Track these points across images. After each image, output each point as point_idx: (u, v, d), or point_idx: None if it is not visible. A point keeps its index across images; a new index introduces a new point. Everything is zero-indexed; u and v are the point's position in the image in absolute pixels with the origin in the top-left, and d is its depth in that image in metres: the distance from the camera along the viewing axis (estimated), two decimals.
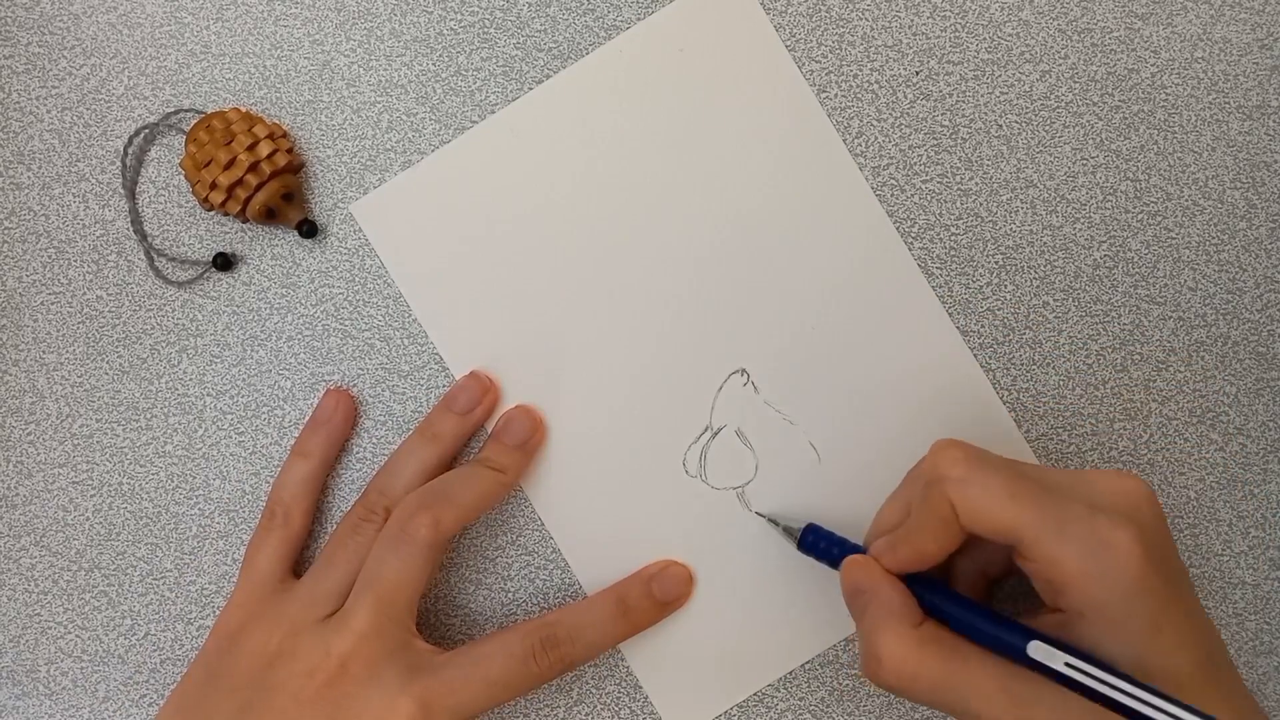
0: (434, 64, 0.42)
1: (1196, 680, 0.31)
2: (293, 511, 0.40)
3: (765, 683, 0.41)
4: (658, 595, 0.40)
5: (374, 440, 0.42)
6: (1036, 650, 0.31)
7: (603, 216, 0.41)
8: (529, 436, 0.40)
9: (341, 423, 0.41)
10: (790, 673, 0.41)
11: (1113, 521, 0.31)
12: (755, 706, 0.41)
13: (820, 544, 0.38)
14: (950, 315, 0.41)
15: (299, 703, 0.36)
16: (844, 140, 0.41)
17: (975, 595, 0.37)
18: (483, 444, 0.41)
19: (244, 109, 0.41)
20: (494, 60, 0.42)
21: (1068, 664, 0.31)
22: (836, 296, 0.41)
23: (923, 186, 0.41)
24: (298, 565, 0.41)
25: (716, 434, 0.41)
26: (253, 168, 0.39)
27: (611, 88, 0.41)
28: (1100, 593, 0.31)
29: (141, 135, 0.42)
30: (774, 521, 0.40)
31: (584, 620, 0.39)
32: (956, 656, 0.32)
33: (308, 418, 0.41)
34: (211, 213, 0.42)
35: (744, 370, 0.41)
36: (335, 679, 0.36)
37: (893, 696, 0.41)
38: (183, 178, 0.42)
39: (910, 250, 0.41)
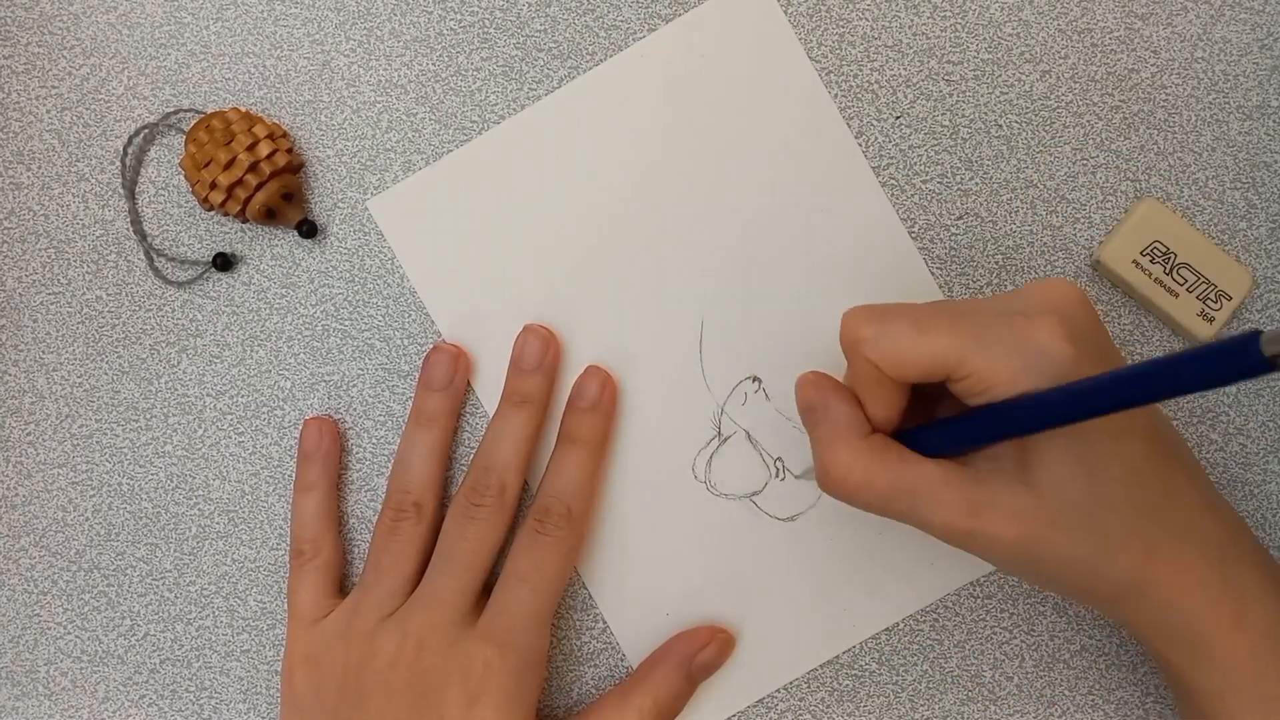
0: (434, 64, 0.42)
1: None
2: (321, 542, 0.40)
3: (768, 691, 0.41)
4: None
5: (374, 440, 0.42)
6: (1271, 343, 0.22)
7: (621, 221, 0.41)
8: (543, 357, 0.40)
9: (331, 446, 0.41)
10: None
11: (1029, 319, 0.31)
12: (755, 706, 0.41)
13: None
14: None
15: (391, 694, 0.37)
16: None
17: None
18: (505, 379, 0.41)
19: (244, 109, 0.41)
20: (494, 61, 0.42)
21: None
22: (852, 305, 0.41)
23: (923, 186, 0.41)
24: (341, 589, 0.41)
25: (726, 440, 0.41)
26: (252, 168, 0.39)
27: (632, 92, 0.41)
28: (1035, 383, 0.30)
29: (141, 135, 0.42)
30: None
31: None
32: (906, 463, 0.32)
33: (298, 454, 0.41)
34: (211, 213, 0.42)
35: (756, 377, 0.41)
36: (415, 659, 0.37)
37: (893, 697, 0.41)
38: (182, 178, 0.42)
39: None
